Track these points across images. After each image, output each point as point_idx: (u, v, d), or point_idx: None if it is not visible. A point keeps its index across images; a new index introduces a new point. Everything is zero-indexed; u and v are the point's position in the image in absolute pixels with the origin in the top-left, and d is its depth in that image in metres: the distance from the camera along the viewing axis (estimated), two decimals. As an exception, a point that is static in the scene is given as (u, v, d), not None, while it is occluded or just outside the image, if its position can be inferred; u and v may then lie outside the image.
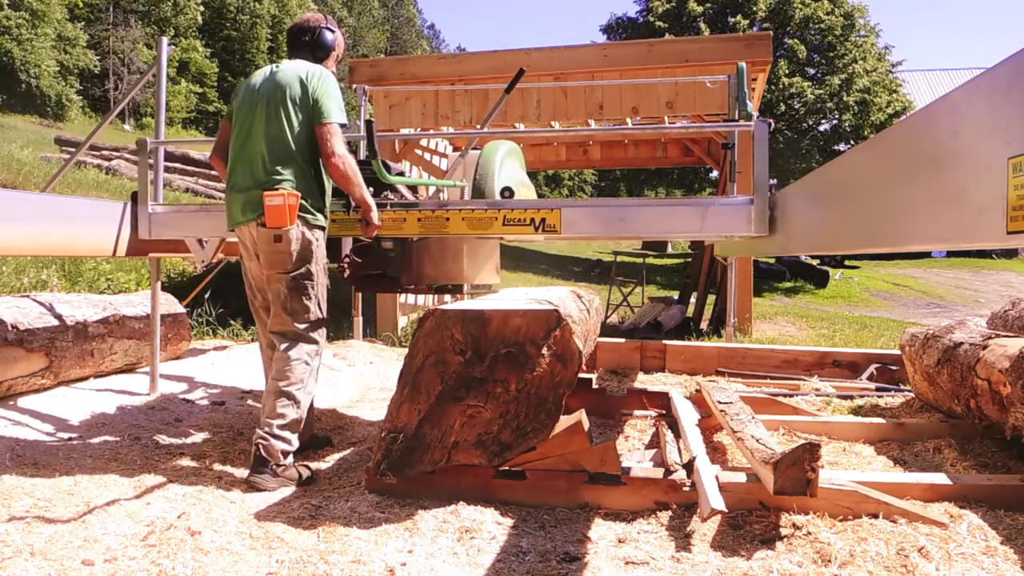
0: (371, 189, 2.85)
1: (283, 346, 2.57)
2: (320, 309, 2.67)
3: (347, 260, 3.11)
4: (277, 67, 2.72)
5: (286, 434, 2.48)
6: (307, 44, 2.80)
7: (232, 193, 2.67)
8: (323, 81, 2.64)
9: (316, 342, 2.64)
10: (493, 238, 3.32)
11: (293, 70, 2.66)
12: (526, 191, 3.73)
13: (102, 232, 3.09)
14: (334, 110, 2.62)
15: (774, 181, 2.96)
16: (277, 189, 2.53)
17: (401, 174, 3.27)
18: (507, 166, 3.69)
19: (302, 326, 2.60)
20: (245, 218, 2.61)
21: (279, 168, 2.58)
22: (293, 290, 2.58)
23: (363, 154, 4.12)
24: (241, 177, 2.64)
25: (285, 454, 2.47)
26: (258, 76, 2.75)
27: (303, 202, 2.57)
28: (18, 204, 2.67)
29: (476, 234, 3.06)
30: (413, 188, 3.32)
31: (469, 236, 3.09)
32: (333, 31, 2.86)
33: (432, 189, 4.31)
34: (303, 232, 2.57)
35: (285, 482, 2.44)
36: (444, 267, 3.40)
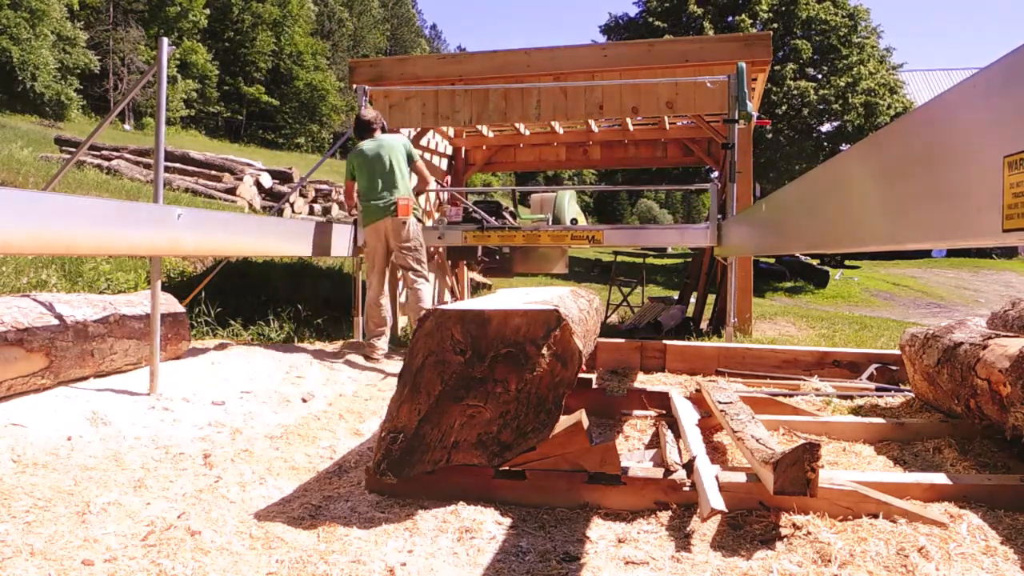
0: (492, 218, 6.11)
1: (414, 276, 5.11)
2: (425, 260, 5.21)
3: (479, 258, 6.22)
4: (377, 140, 5.17)
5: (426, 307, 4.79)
6: (380, 127, 5.29)
7: (374, 205, 5.08)
8: (408, 143, 5.30)
9: (427, 277, 5.18)
10: (564, 247, 6.36)
11: (392, 141, 5.20)
12: (582, 218, 7.80)
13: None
14: (417, 155, 5.38)
15: (721, 215, 5.39)
16: (402, 198, 5.06)
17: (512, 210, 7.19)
18: (571, 205, 7.79)
19: (419, 267, 5.13)
20: (386, 215, 5.06)
21: (398, 189, 5.09)
22: (412, 251, 5.12)
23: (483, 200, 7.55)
24: (378, 196, 5.07)
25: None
26: (369, 146, 5.16)
27: (414, 205, 5.12)
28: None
29: (554, 244, 5.99)
30: (514, 216, 6.63)
31: (551, 245, 6.02)
32: (383, 121, 5.38)
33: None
34: (414, 220, 5.14)
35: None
36: (537, 262, 6.52)
